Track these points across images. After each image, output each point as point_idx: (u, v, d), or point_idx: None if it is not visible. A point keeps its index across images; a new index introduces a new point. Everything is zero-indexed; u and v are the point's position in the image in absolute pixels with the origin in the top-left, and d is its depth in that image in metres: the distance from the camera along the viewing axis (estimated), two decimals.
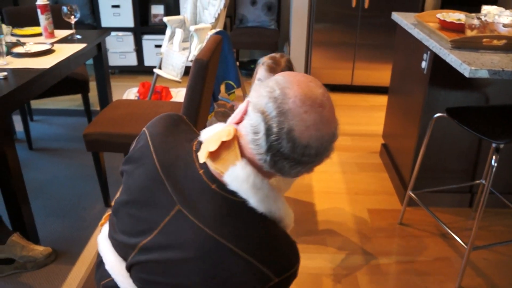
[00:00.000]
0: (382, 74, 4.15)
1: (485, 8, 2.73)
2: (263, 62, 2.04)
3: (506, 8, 2.70)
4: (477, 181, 2.56)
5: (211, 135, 1.00)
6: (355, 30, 4.08)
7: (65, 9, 2.66)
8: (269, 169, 0.93)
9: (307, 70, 4.25)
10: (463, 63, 1.88)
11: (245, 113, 0.96)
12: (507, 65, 1.88)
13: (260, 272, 0.92)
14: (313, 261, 2.18)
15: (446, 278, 2.12)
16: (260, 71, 2.05)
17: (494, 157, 1.89)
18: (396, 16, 2.83)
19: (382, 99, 3.85)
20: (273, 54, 2.07)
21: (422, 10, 4.03)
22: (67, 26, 2.79)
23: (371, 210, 2.57)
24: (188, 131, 1.11)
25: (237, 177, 0.93)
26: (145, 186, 1.02)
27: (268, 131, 0.88)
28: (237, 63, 4.49)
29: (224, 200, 0.95)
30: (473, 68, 1.83)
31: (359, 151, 3.20)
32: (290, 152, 0.89)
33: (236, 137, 0.96)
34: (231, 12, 4.82)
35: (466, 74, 1.85)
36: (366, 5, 3.97)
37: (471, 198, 2.63)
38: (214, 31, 3.40)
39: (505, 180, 2.58)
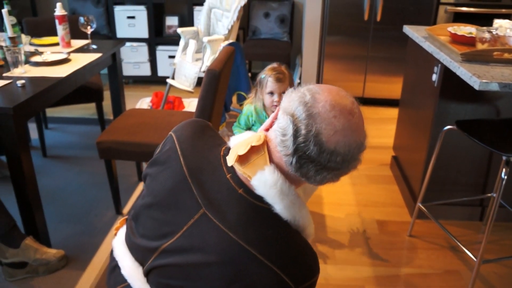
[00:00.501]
0: (393, 87, 4.16)
1: (497, 22, 2.74)
2: (270, 75, 2.10)
3: None
4: (488, 194, 2.55)
5: (241, 141, 1.01)
6: (367, 43, 4.10)
7: (82, 19, 2.72)
8: (294, 172, 0.93)
9: (319, 82, 4.27)
10: (473, 76, 1.89)
11: (275, 118, 0.98)
12: None
13: (281, 281, 0.92)
14: (321, 272, 2.18)
15: None
16: (270, 84, 2.10)
17: (504, 170, 1.89)
18: (408, 29, 2.85)
19: (393, 112, 3.84)
20: (272, 66, 2.15)
21: (434, 23, 4.04)
22: (84, 36, 2.86)
23: (380, 221, 2.57)
24: (215, 136, 1.13)
25: (265, 181, 0.94)
26: (171, 188, 1.03)
27: (296, 132, 0.90)
28: (249, 74, 4.54)
29: (250, 205, 0.95)
30: (483, 81, 1.84)
31: (369, 163, 3.21)
32: (316, 156, 0.89)
33: (265, 142, 0.98)
34: (244, 24, 4.88)
35: (476, 87, 1.85)
36: (379, 18, 3.99)
37: (482, 212, 2.61)
38: (227, 42, 3.45)
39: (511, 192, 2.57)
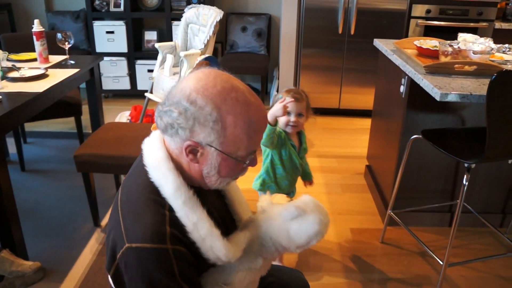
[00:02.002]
0: (368, 98, 4.26)
1: (461, 36, 2.87)
2: (287, 95, 2.03)
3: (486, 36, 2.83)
4: (457, 201, 2.64)
5: None
6: (342, 56, 4.22)
7: (59, 35, 2.77)
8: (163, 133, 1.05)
9: None
10: (434, 87, 1.98)
11: None
12: (476, 89, 1.99)
13: (121, 230, 0.99)
14: None
15: None
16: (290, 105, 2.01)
17: (465, 176, 1.97)
18: (377, 43, 2.96)
19: (368, 122, 3.94)
20: (288, 88, 2.12)
21: (406, 36, 4.17)
22: (63, 51, 2.90)
23: (354, 229, 2.64)
24: None
25: (150, 149, 1.11)
26: None
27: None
28: None
29: (139, 164, 1.10)
30: (443, 92, 1.93)
31: (344, 173, 3.29)
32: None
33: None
34: (222, 38, 4.96)
35: (437, 98, 1.95)
36: (352, 31, 4.11)
37: (451, 217, 2.71)
38: (203, 56, 3.52)
39: (483, 200, 2.67)
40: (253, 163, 1.07)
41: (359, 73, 4.27)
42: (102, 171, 2.46)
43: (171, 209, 1.01)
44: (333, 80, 4.30)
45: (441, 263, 2.09)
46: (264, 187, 2.18)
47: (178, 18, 4.31)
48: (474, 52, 2.35)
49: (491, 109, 1.78)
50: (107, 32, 4.62)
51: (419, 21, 4.13)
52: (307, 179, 2.39)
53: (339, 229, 2.63)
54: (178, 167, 1.05)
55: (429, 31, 4.14)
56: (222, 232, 1.06)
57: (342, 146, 3.73)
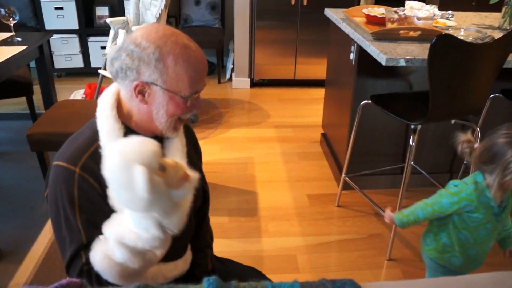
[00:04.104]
0: (322, 68, 4.31)
1: (408, 3, 2.94)
2: None
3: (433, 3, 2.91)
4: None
5: None
6: (296, 27, 4.25)
7: (2, 11, 2.67)
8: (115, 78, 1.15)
9: (251, 66, 4.38)
10: (380, 53, 2.05)
11: None
12: (419, 53, 2.07)
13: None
14: (254, 245, 2.31)
15: (378, 252, 2.30)
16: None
17: (412, 137, 2.07)
18: (328, 12, 3.00)
19: (323, 92, 4.03)
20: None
21: (358, 5, 4.23)
22: (9, 28, 2.80)
23: (311, 195, 2.73)
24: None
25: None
26: None
27: None
28: None
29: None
30: (388, 57, 2.00)
31: (300, 142, 3.36)
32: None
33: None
34: (176, 12, 4.89)
35: (383, 63, 2.02)
36: (305, 2, 4.14)
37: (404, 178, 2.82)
38: None
39: (432, 160, 2.80)
40: (197, 106, 1.15)
41: (313, 43, 4.32)
42: (57, 149, 2.42)
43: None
44: (288, 51, 4.34)
45: None
46: (443, 256, 1.60)
47: None
48: (418, 18, 2.44)
49: (433, 72, 1.87)
50: (56, 8, 4.47)
51: None
52: (508, 246, 1.65)
53: (296, 196, 2.71)
54: (128, 113, 1.14)
55: (379, 1, 4.21)
56: None
57: (298, 116, 3.80)
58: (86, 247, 1.07)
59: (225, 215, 2.51)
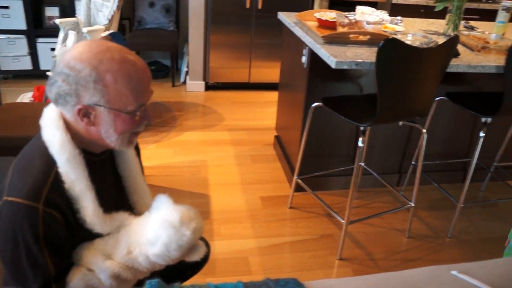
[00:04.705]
0: (277, 71, 4.36)
1: (359, 9, 3.00)
2: None
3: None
4: (358, 164, 2.81)
5: None
6: (250, 30, 4.26)
7: None
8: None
9: (205, 69, 4.36)
10: (330, 56, 2.09)
11: None
12: (368, 57, 2.12)
13: (4, 186, 1.07)
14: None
15: (329, 252, 2.33)
16: None
17: (361, 139, 2.11)
18: (281, 16, 3.03)
19: (277, 95, 4.07)
20: None
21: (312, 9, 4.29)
22: None
23: (264, 197, 2.73)
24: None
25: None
26: None
27: None
28: None
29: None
30: (338, 60, 2.04)
31: (254, 144, 3.37)
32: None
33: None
34: (130, 14, 4.81)
35: (333, 66, 2.05)
36: (260, 5, 4.16)
37: (355, 180, 2.88)
38: (107, 32, 3.41)
39: (382, 162, 2.87)
40: (147, 117, 1.12)
41: (267, 47, 4.34)
42: (2, 154, 2.32)
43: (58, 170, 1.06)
44: (242, 54, 4.34)
45: (343, 221, 2.23)
46: None
47: None
48: (368, 23, 2.50)
49: (380, 75, 1.91)
50: (1, 7, 4.30)
51: None
52: None
53: (249, 198, 2.71)
54: (76, 134, 1.09)
55: (333, 5, 4.30)
56: (108, 206, 1.12)
57: (252, 119, 3.81)
58: (56, 278, 1.05)
59: None
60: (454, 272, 0.98)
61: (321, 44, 2.29)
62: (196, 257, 1.10)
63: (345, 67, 2.06)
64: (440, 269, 0.99)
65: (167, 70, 4.79)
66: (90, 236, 1.11)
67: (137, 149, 1.36)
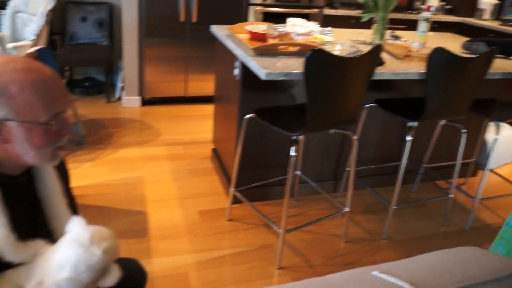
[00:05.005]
0: (212, 84, 4.37)
1: (290, 20, 3.07)
2: None
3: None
4: (295, 172, 2.86)
5: None
6: (185, 44, 4.25)
7: None
8: None
9: (141, 84, 4.29)
10: (260, 68, 2.11)
11: None
12: (297, 67, 2.16)
13: None
14: (145, 266, 2.23)
15: (268, 262, 2.33)
16: None
17: (293, 148, 2.14)
18: (214, 29, 3.04)
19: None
20: None
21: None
22: None
23: (202, 211, 2.71)
24: None
25: None
26: None
27: None
28: (65, 80, 4.39)
29: None
30: (267, 71, 2.07)
31: (191, 158, 3.34)
32: None
33: None
34: (61, 28, 4.66)
35: (263, 77, 2.08)
36: (194, 19, 4.16)
37: (292, 189, 2.92)
38: (35, 48, 3.29)
39: (317, 169, 2.92)
40: (66, 126, 1.06)
41: (202, 60, 4.35)
42: None
43: None
44: (178, 68, 4.32)
45: (280, 231, 2.25)
46: None
47: (3, 6, 3.95)
48: (297, 34, 2.55)
49: (308, 85, 1.96)
50: None
51: (257, 8, 4.33)
52: None
53: (187, 213, 2.68)
54: None
55: (268, 17, 4.37)
56: (23, 233, 1.05)
57: (189, 133, 3.78)
58: None
59: None
60: (375, 273, 1.00)
61: (251, 56, 2.31)
62: (110, 281, 1.03)
63: (275, 78, 2.09)
64: (361, 271, 1.01)
65: (102, 86, 4.67)
66: (1, 266, 1.03)
67: (62, 170, 1.29)
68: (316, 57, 1.92)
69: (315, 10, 4.57)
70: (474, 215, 2.98)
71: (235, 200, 2.74)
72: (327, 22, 4.70)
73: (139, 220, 2.58)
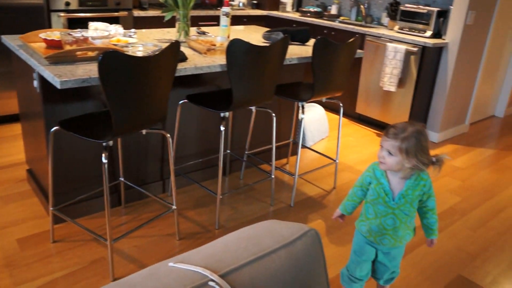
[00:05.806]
0: (14, 102, 4.03)
1: (92, 24, 2.96)
2: None
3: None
4: (119, 180, 2.78)
5: None
6: None
7: None
8: None
9: None
10: (54, 77, 1.99)
11: None
12: (97, 73, 2.09)
13: None
14: None
15: (102, 276, 2.24)
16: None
17: (103, 155, 2.07)
18: (5, 39, 2.77)
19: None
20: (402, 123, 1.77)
21: None
22: None
23: (21, 239, 2.48)
24: None
25: None
26: None
27: None
28: None
29: None
30: (62, 79, 1.96)
31: (4, 184, 3.02)
32: None
33: None
34: None
35: (58, 86, 1.97)
36: None
37: (118, 197, 2.83)
38: None
39: (142, 172, 2.89)
40: None
41: (3, 76, 3.96)
42: None
43: None
44: None
45: (107, 242, 2.17)
46: (358, 222, 1.96)
47: None
48: (94, 38, 2.47)
49: (107, 88, 1.90)
50: None
51: (61, 14, 4.08)
52: (428, 236, 1.93)
53: (4, 244, 2.42)
54: None
55: (74, 23, 4.14)
56: None
57: (0, 156, 3.43)
58: None
59: None
60: (171, 264, 1.03)
61: (46, 65, 2.17)
62: None
63: (72, 85, 2.00)
64: (159, 265, 1.02)
65: None
66: None
67: None
68: (109, 60, 1.87)
69: (124, 13, 4.48)
70: (297, 190, 3.25)
71: (58, 220, 2.58)
72: (138, 23, 4.64)
73: None
